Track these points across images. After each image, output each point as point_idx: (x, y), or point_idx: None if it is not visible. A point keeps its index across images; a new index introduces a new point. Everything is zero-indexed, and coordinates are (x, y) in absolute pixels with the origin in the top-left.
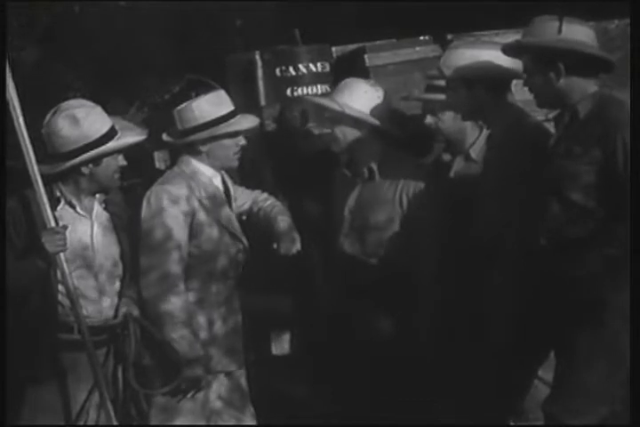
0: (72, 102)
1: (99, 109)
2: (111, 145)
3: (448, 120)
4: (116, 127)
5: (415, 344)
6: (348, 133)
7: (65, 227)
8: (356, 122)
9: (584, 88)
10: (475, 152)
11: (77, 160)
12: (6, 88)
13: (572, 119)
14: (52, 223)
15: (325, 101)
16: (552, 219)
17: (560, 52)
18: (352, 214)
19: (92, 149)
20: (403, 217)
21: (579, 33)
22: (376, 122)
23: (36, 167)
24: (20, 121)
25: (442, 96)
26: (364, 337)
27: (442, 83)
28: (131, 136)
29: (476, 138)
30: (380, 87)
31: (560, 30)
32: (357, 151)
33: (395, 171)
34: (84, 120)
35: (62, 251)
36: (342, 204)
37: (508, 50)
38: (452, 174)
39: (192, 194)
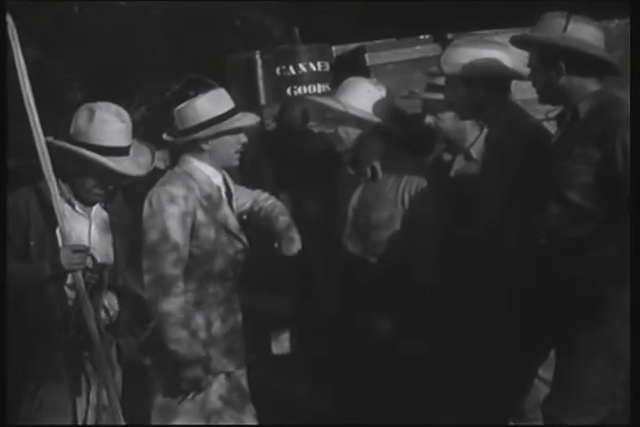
0: (101, 104)
1: (126, 126)
2: (105, 161)
3: (448, 120)
4: (130, 150)
5: (415, 344)
6: (351, 133)
7: (86, 247)
8: (359, 122)
9: (586, 87)
10: (475, 151)
11: (78, 150)
12: (21, 86)
13: (573, 118)
14: (61, 221)
15: (329, 102)
16: (552, 219)
17: (562, 49)
18: (355, 213)
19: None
20: (404, 216)
21: (584, 32)
22: (379, 121)
23: (50, 166)
24: (35, 119)
25: (442, 96)
26: (365, 337)
27: (442, 82)
28: (128, 167)
29: (476, 137)
30: (382, 86)
31: (566, 28)
32: (360, 150)
33: (397, 170)
34: (100, 122)
35: (78, 270)
36: (345, 203)
37: (516, 42)
38: (452, 174)
39: (193, 194)
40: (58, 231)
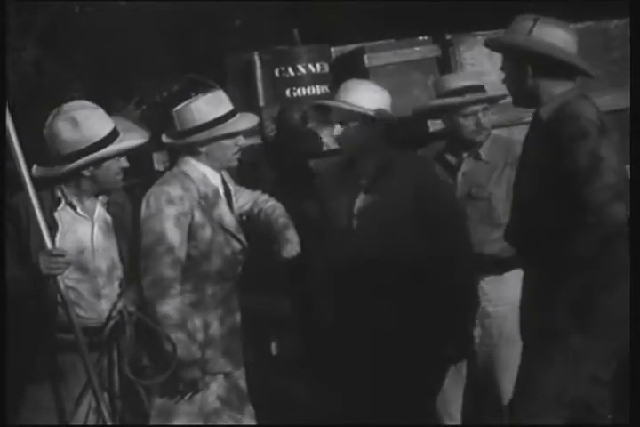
0: (73, 104)
1: (100, 111)
2: (111, 148)
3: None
4: (119, 129)
5: (416, 345)
6: (355, 133)
7: (63, 251)
8: (364, 120)
9: (555, 90)
10: (484, 152)
11: (76, 164)
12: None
13: (535, 123)
14: (44, 228)
15: (335, 103)
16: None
17: (526, 52)
18: (360, 214)
19: (91, 153)
20: (409, 218)
21: (551, 35)
22: (383, 119)
23: (25, 171)
24: (8, 122)
25: (459, 99)
26: (366, 337)
27: (453, 86)
28: (132, 139)
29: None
30: (382, 88)
31: (531, 31)
32: (364, 151)
33: (401, 170)
34: (83, 123)
35: (57, 274)
36: (351, 204)
37: (489, 45)
38: (461, 174)
39: (190, 194)
40: (57, 237)
